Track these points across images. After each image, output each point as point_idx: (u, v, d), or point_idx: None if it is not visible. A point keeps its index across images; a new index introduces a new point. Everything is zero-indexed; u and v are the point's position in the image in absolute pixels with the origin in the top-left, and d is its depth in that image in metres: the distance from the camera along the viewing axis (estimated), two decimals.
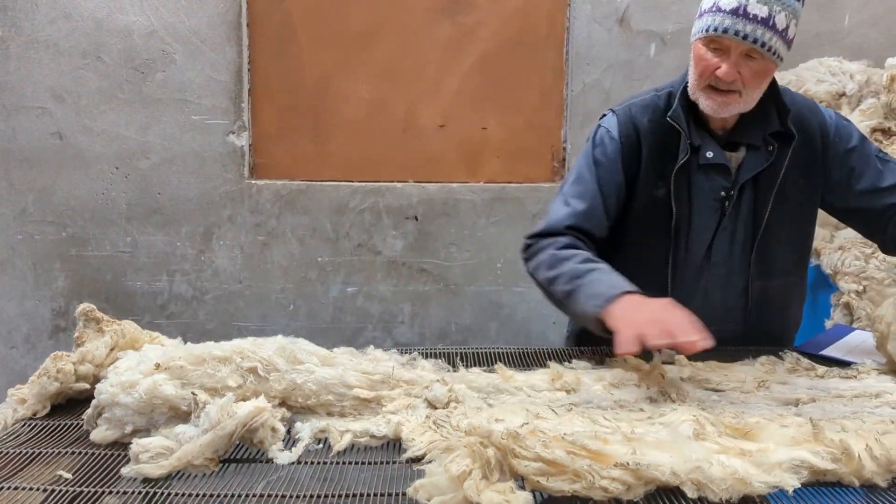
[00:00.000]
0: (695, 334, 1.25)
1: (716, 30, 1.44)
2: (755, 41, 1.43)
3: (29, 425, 1.22)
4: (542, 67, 3.09)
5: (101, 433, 1.15)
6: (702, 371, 1.39)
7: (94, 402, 1.19)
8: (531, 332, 3.14)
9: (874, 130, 2.44)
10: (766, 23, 1.42)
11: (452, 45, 3.07)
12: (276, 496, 0.98)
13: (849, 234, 2.26)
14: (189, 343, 1.34)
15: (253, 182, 3.06)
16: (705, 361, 1.42)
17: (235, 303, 3.09)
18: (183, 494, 0.98)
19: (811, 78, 2.66)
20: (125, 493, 1.00)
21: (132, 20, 2.93)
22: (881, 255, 2.12)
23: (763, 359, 1.48)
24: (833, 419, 1.14)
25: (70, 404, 1.30)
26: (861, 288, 2.11)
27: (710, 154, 1.57)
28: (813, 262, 2.38)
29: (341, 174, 3.10)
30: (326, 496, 0.98)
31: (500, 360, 1.43)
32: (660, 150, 1.59)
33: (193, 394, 1.15)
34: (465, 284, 3.14)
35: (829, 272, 2.25)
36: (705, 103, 1.51)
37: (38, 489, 1.00)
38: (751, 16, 1.42)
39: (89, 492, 0.99)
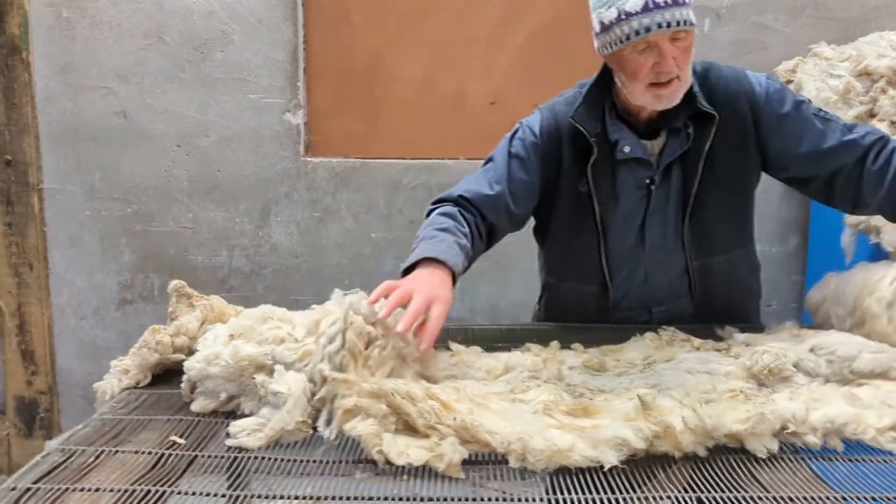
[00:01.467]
0: (405, 322, 1.24)
1: (637, 33, 1.41)
2: (678, 23, 1.40)
3: (134, 394, 1.31)
4: (585, 43, 3.08)
5: (200, 404, 1.24)
6: (595, 356, 1.42)
7: (184, 376, 1.27)
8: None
9: None
10: (677, 3, 1.40)
11: (503, 21, 3.09)
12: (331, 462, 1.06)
13: None
14: None
15: (308, 159, 3.13)
16: (599, 346, 1.47)
17: (292, 277, 3.18)
18: (272, 459, 1.06)
19: (871, 53, 2.62)
20: (230, 457, 1.08)
21: (192, 1, 3.00)
22: None
23: (650, 335, 1.51)
24: (674, 388, 1.20)
25: (167, 374, 1.39)
26: None
27: (627, 149, 1.57)
28: (872, 239, 2.37)
29: (394, 151, 3.15)
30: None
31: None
32: (579, 149, 1.60)
33: (253, 377, 1.22)
34: (514, 262, 3.18)
35: (890, 250, 2.24)
36: (653, 101, 1.50)
37: (152, 453, 1.09)
38: (662, 4, 1.39)
39: (200, 455, 1.08)
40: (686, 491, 0.99)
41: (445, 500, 0.96)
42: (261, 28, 3.02)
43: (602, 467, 1.03)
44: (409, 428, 1.11)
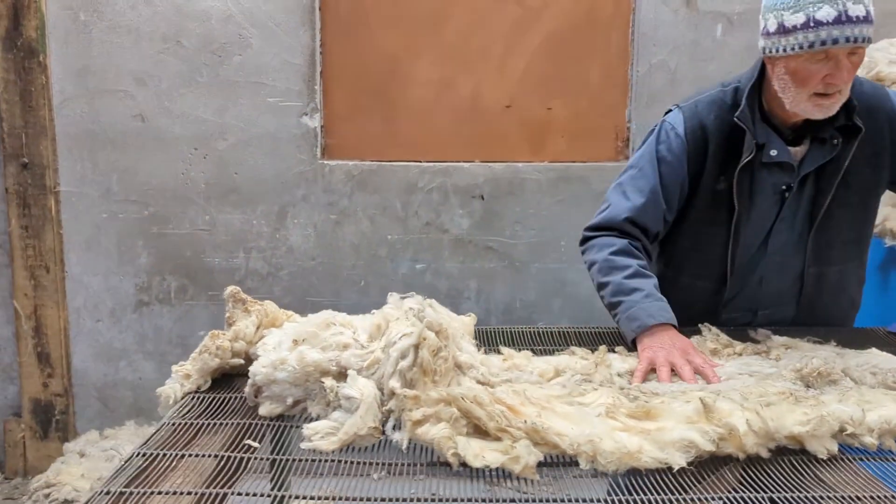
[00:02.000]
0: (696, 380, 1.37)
1: (823, 43, 1.43)
2: (862, 40, 1.44)
3: (197, 398, 1.33)
4: (607, 48, 3.13)
5: (267, 408, 1.26)
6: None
7: (249, 381, 1.30)
8: (594, 308, 3.21)
9: None
10: (867, 19, 1.44)
11: (518, 26, 3.12)
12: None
13: None
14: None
15: (325, 162, 3.15)
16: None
17: (309, 279, 3.20)
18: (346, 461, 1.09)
19: (883, 59, 2.68)
20: (307, 460, 1.11)
21: (210, 5, 3.01)
22: None
23: (698, 338, 1.58)
24: (731, 392, 1.23)
25: (225, 378, 1.41)
26: None
27: (774, 152, 1.60)
28: (887, 242, 2.43)
29: (410, 154, 3.18)
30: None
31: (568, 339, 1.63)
32: (725, 147, 1.63)
33: (321, 382, 1.25)
34: (529, 262, 3.22)
35: None
36: (813, 110, 1.53)
37: (229, 457, 1.11)
38: (853, 18, 1.42)
39: (278, 458, 1.11)
40: (756, 491, 1.03)
41: (466, 500, 0.99)
42: (278, 32, 3.03)
43: (671, 468, 1.07)
44: (478, 431, 1.15)
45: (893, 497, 1.00)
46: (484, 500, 1.01)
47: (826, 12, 1.43)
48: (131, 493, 0.99)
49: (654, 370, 1.41)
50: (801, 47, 1.46)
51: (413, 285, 3.21)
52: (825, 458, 1.11)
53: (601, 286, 1.65)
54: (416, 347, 1.20)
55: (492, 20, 3.12)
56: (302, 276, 3.21)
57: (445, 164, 3.16)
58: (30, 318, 3.10)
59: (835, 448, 1.12)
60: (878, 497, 1.00)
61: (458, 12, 3.11)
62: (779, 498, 1.00)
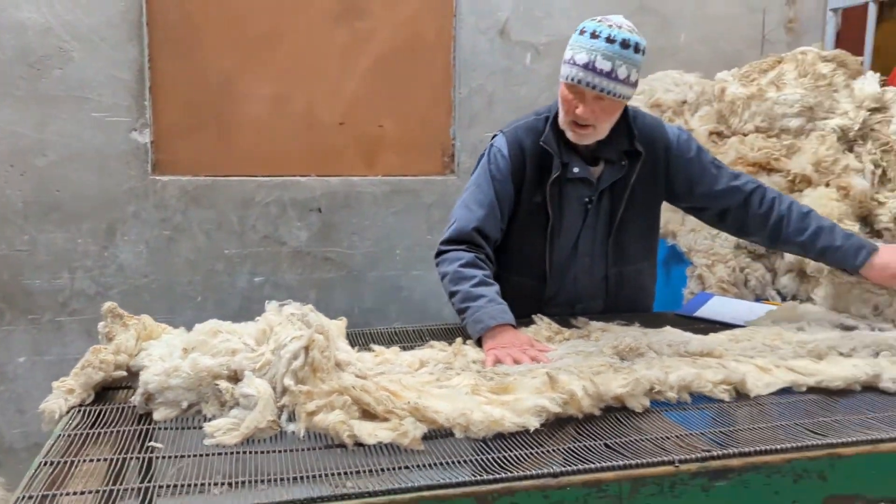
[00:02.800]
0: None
1: (572, 79, 1.80)
2: (602, 90, 1.78)
3: (83, 412, 1.36)
4: (433, 72, 3.41)
5: (162, 413, 1.34)
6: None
7: (140, 390, 1.36)
8: (427, 310, 3.47)
9: (711, 133, 3.00)
10: (610, 75, 1.77)
11: (350, 48, 3.30)
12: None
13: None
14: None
15: (157, 178, 3.12)
16: None
17: (141, 296, 3.14)
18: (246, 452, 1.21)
19: (661, 87, 3.19)
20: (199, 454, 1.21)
21: (26, 16, 2.88)
22: (724, 235, 2.67)
23: (533, 328, 1.86)
24: (568, 368, 1.52)
25: (104, 391, 1.45)
26: (710, 262, 2.65)
27: (576, 170, 1.95)
28: (669, 241, 2.91)
29: (245, 169, 3.24)
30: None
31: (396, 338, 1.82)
32: (540, 166, 1.96)
33: (216, 385, 1.36)
34: (366, 271, 3.40)
35: (684, 250, 2.78)
36: (569, 134, 1.90)
37: (135, 457, 1.19)
38: (597, 70, 1.76)
39: (175, 454, 1.19)
40: (594, 440, 1.29)
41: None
42: (103, 46, 2.97)
43: (528, 430, 1.30)
44: (367, 416, 1.31)
45: (689, 434, 1.31)
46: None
47: (581, 57, 1.79)
48: (53, 496, 1.04)
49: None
50: (564, 78, 1.83)
51: (252, 298, 3.26)
52: (640, 412, 1.40)
53: (452, 294, 1.87)
54: (307, 349, 1.34)
55: (324, 43, 3.27)
56: (134, 294, 3.14)
57: (282, 178, 3.26)
58: None
59: (647, 403, 1.42)
60: (679, 435, 1.30)
61: (291, 34, 3.23)
62: (611, 443, 1.27)
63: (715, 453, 1.21)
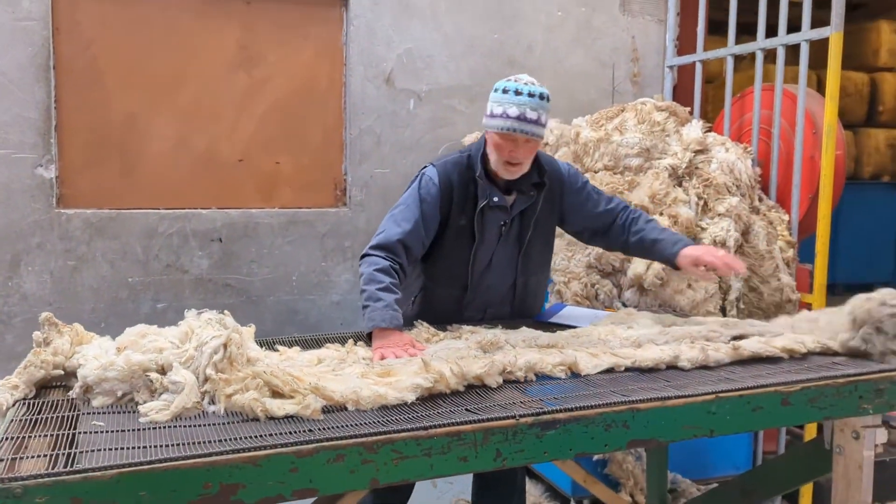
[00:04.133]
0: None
1: (508, 129, 2.21)
2: (532, 135, 2.23)
3: (27, 404, 1.60)
4: (325, 114, 3.76)
5: (100, 401, 1.60)
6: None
7: (79, 382, 1.62)
8: (321, 332, 3.75)
9: None
10: (537, 122, 2.23)
11: (249, 92, 3.61)
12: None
13: (557, 242, 3.27)
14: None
15: (62, 211, 3.28)
16: None
17: None
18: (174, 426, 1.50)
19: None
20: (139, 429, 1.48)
21: None
22: (578, 256, 3.14)
23: (414, 332, 2.22)
24: (439, 357, 1.90)
25: (41, 390, 1.69)
26: (566, 279, 3.11)
27: (496, 199, 2.37)
28: None
29: (149, 202, 3.45)
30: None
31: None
32: (465, 195, 2.38)
33: (147, 376, 1.64)
34: (265, 296, 3.67)
35: None
36: (504, 173, 2.31)
37: (82, 432, 1.45)
38: (528, 119, 2.21)
39: (118, 429, 1.46)
40: (458, 407, 1.65)
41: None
42: (11, 87, 3.14)
43: (406, 403, 1.65)
44: (276, 395, 1.62)
45: (531, 400, 1.69)
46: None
47: (513, 111, 2.21)
48: (19, 458, 1.30)
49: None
50: (499, 128, 2.24)
51: (156, 324, 3.44)
52: (495, 387, 1.78)
53: (362, 292, 2.20)
54: (226, 345, 1.64)
55: (224, 85, 3.56)
56: (37, 322, 3.25)
57: (184, 210, 3.49)
58: None
59: (501, 381, 1.80)
60: (523, 402, 1.69)
61: (191, 78, 3.50)
62: (470, 408, 1.63)
63: (545, 409, 1.60)
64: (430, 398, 1.71)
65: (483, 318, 2.46)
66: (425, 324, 2.27)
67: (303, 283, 3.72)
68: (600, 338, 2.21)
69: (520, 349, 2.03)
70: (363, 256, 2.30)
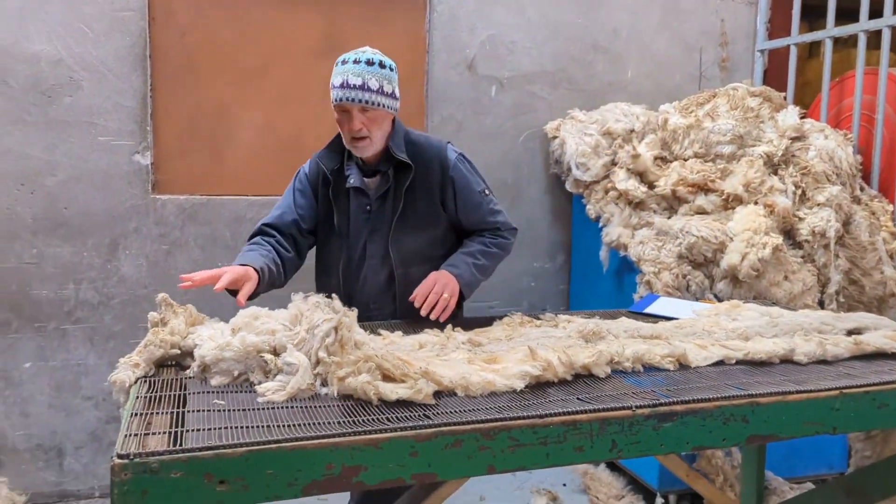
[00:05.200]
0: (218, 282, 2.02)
1: (337, 100, 2.11)
2: (360, 101, 2.09)
3: (148, 381, 1.64)
4: (407, 102, 3.74)
5: (218, 380, 1.63)
6: (474, 335, 2.09)
7: (197, 362, 1.65)
8: None
9: (656, 158, 3.41)
10: (362, 87, 2.08)
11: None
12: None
13: (645, 232, 3.19)
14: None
15: (157, 197, 3.38)
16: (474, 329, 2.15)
17: (141, 306, 3.38)
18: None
19: (611, 118, 3.60)
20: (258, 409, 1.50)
21: (39, 48, 3.13)
22: (669, 246, 3.07)
23: (507, 319, 2.20)
24: (543, 345, 1.88)
25: (158, 368, 1.73)
26: (657, 269, 3.04)
27: (352, 180, 2.23)
28: (621, 252, 3.29)
29: (238, 189, 3.52)
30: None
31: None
32: (322, 180, 2.27)
33: (261, 357, 1.66)
34: None
35: (634, 259, 3.16)
36: (353, 150, 2.19)
37: (205, 410, 1.47)
38: (351, 85, 2.08)
39: (239, 408, 1.49)
40: (568, 396, 1.62)
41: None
42: (110, 76, 3.24)
43: (515, 390, 1.63)
44: (386, 379, 1.62)
45: (643, 391, 1.65)
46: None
47: (337, 80, 2.11)
48: (146, 434, 1.33)
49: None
50: (332, 101, 2.14)
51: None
52: (603, 377, 1.75)
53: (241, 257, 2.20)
54: (337, 329, 1.65)
55: (308, 74, 3.59)
56: (134, 303, 3.38)
57: (270, 197, 3.54)
58: None
59: (609, 371, 1.77)
60: (635, 393, 1.65)
61: (279, 67, 3.55)
62: (581, 397, 1.60)
63: (663, 401, 1.56)
64: (537, 386, 1.69)
65: (369, 317, 2.22)
66: (518, 314, 2.24)
67: None
68: (705, 329, 2.14)
69: (623, 339, 1.99)
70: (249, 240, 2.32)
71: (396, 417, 1.46)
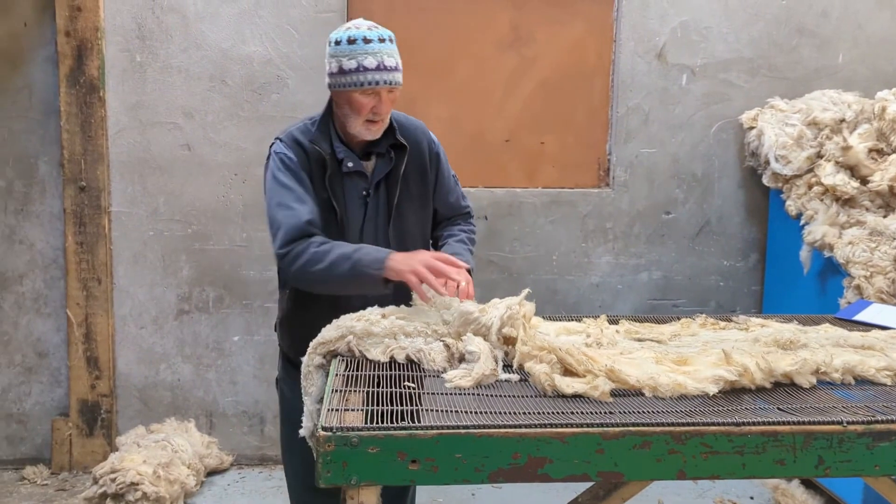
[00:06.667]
0: (455, 274, 1.86)
1: (370, 83, 1.94)
2: (396, 83, 1.98)
3: (345, 361, 1.75)
4: (591, 93, 3.69)
5: (375, 354, 1.71)
6: (633, 328, 2.03)
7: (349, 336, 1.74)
8: (581, 312, 3.72)
9: (870, 150, 3.10)
10: (396, 68, 1.98)
11: (516, 73, 3.65)
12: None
13: (855, 232, 2.91)
14: None
15: None
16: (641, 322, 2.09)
17: None
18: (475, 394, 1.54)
19: (818, 107, 3.31)
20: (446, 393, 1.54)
21: (252, 50, 3.43)
22: (884, 248, 2.77)
23: (684, 320, 2.10)
24: (739, 349, 1.73)
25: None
26: (869, 273, 2.76)
27: (350, 164, 2.06)
28: (826, 253, 3.02)
29: None
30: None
31: None
32: (317, 164, 2.05)
33: (447, 345, 1.71)
34: (526, 274, 3.72)
35: (841, 262, 2.89)
36: (366, 133, 2.02)
37: (396, 390, 1.55)
38: (388, 68, 1.96)
39: (429, 392, 1.54)
40: (768, 405, 1.52)
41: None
42: (313, 74, 3.48)
43: (707, 394, 1.56)
44: (567, 373, 1.61)
45: (854, 405, 1.51)
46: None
47: (370, 62, 1.95)
48: (344, 409, 1.42)
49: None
50: (354, 85, 1.96)
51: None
52: (807, 388, 1.62)
53: (327, 269, 1.90)
54: (519, 316, 1.67)
55: (493, 67, 3.64)
56: None
57: None
58: (81, 325, 3.40)
59: (814, 381, 1.63)
60: (845, 407, 1.51)
61: (464, 60, 3.62)
62: (783, 408, 1.50)
63: (880, 418, 1.42)
64: (731, 392, 1.60)
65: (365, 304, 1.92)
66: (703, 315, 2.13)
67: (563, 264, 3.72)
68: None
69: (830, 348, 1.83)
70: (282, 260, 2.01)
71: (580, 412, 1.44)
